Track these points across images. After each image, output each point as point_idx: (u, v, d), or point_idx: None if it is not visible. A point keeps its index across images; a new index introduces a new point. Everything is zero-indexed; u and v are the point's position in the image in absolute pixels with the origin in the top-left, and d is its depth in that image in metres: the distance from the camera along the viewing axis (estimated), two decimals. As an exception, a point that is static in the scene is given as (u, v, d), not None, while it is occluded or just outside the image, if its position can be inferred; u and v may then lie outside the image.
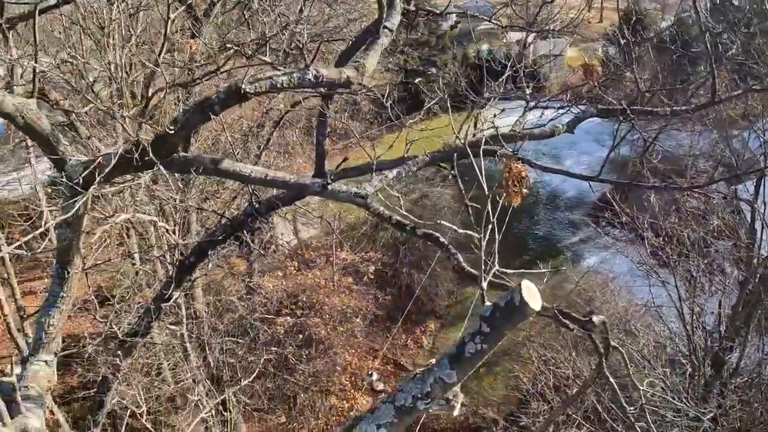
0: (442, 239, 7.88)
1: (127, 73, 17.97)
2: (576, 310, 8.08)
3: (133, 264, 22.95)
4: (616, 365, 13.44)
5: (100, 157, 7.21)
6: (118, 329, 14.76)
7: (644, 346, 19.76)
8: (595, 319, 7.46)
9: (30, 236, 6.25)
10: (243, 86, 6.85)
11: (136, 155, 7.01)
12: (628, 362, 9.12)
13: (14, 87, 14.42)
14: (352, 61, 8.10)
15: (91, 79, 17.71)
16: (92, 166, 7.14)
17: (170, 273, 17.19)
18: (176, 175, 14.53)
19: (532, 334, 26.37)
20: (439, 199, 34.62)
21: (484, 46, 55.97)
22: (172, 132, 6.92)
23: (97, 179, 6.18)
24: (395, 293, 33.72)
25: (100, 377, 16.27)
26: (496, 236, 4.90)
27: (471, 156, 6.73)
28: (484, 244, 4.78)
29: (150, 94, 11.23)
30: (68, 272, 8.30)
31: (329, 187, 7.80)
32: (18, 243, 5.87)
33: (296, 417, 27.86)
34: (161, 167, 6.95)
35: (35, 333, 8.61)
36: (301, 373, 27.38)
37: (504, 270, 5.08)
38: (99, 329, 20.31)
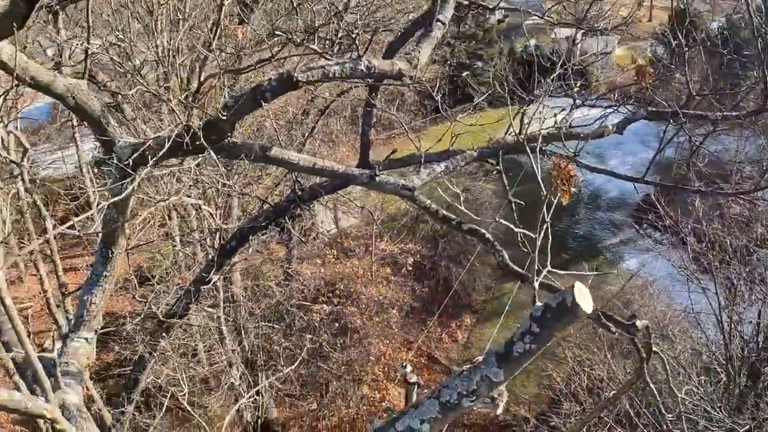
0: (487, 236, 7.83)
1: (174, 56, 18.10)
2: (615, 312, 8.01)
3: (174, 246, 23.18)
4: (651, 370, 13.32)
5: (151, 140, 7.26)
6: (157, 309, 14.93)
7: (681, 352, 19.57)
8: (638, 323, 7.40)
9: (80, 218, 6.30)
10: (295, 74, 6.84)
11: (187, 139, 7.05)
12: (668, 369, 9.04)
13: (63, 68, 14.60)
14: (405, 53, 8.06)
15: (138, 62, 17.88)
16: (142, 149, 7.19)
17: (210, 256, 17.34)
18: (221, 160, 14.63)
19: (569, 334, 26.16)
20: (481, 194, 34.43)
21: (532, 41, 55.51)
22: (224, 118, 6.94)
23: (150, 162, 6.22)
24: (432, 286, 33.72)
25: (137, 356, 16.44)
26: (549, 236, 4.86)
27: (529, 153, 6.66)
28: (539, 243, 4.74)
29: (202, 79, 11.27)
30: (112, 252, 8.36)
31: (377, 178, 7.77)
32: (70, 224, 5.92)
33: (327, 404, 27.95)
34: (212, 152, 6.97)
35: (77, 310, 8.68)
36: (334, 361, 27.46)
37: (554, 270, 5.04)
38: (137, 308, 20.57)
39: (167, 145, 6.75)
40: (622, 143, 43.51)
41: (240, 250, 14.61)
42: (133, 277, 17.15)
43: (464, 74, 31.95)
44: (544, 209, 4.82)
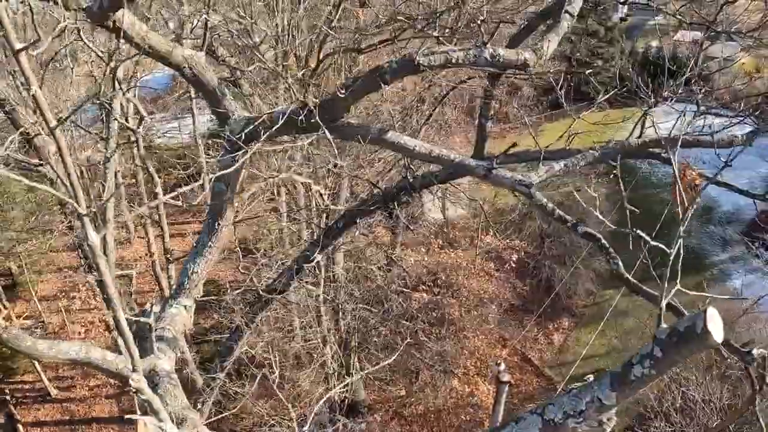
0: (603, 241, 7.46)
1: (293, 36, 18.17)
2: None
3: (280, 221, 23.41)
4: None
5: (265, 115, 7.20)
6: (258, 282, 15.04)
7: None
8: (755, 351, 6.93)
9: (188, 188, 6.28)
10: (417, 57, 6.64)
11: (302, 116, 6.96)
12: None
13: (183, 41, 14.83)
14: (531, 44, 7.75)
15: (257, 40, 18.02)
16: (256, 123, 7.15)
17: (315, 235, 17.38)
18: (334, 140, 14.62)
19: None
20: (590, 196, 33.57)
21: (654, 43, 53.73)
22: (343, 97, 6.82)
23: (263, 136, 6.14)
24: (534, 285, 33.27)
25: (235, 325, 16.62)
26: (682, 252, 4.49)
27: (669, 156, 6.27)
28: (671, 260, 4.38)
29: (321, 57, 11.23)
30: (219, 224, 8.42)
31: (493, 171, 7.48)
32: (174, 193, 5.90)
33: (416, 392, 27.91)
34: (326, 131, 6.85)
35: (179, 277, 8.79)
36: (428, 350, 27.33)
37: (684, 290, 4.65)
38: (239, 279, 20.85)
39: (281, 120, 6.67)
40: (739, 155, 41.57)
41: (346, 231, 14.58)
42: (238, 248, 17.36)
43: (587, 72, 31.11)
44: (681, 228, 4.45)
